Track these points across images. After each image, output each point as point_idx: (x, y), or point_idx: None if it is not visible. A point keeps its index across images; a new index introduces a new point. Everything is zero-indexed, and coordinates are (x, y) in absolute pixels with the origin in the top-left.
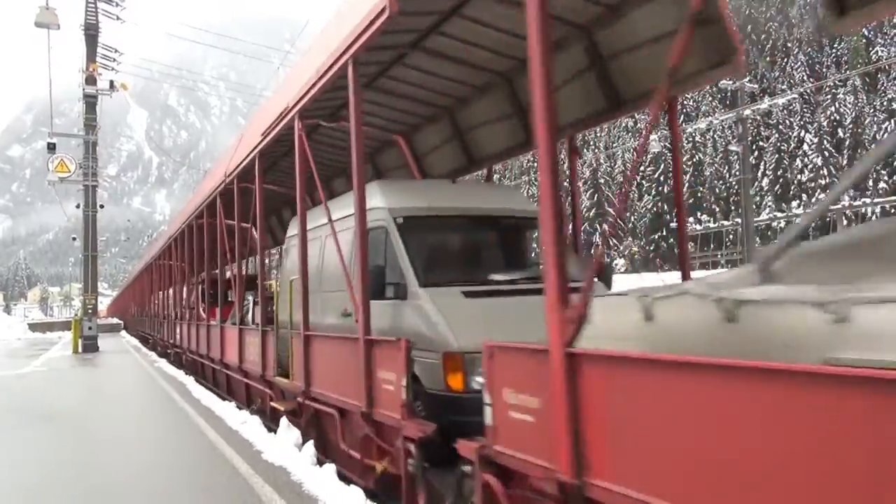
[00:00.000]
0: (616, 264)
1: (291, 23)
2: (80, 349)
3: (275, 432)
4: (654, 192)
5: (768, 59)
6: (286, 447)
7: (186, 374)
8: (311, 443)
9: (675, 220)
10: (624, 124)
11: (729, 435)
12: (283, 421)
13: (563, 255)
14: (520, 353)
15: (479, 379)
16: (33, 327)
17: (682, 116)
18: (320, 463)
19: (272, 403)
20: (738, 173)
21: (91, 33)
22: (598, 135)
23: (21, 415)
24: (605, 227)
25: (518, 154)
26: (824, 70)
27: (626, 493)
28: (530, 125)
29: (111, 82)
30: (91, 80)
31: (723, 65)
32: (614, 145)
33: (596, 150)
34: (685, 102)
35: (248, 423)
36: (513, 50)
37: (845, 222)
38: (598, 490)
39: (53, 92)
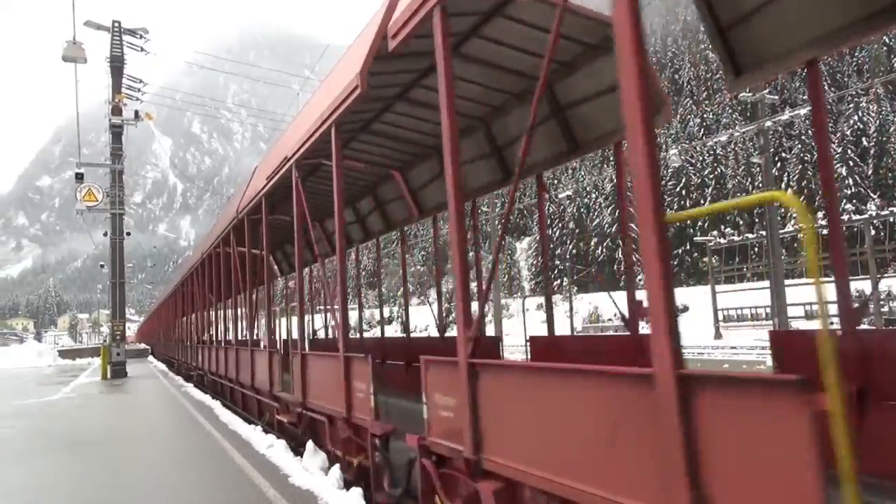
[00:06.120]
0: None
1: (311, 47)
2: (108, 375)
3: (301, 456)
4: (675, 207)
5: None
6: (312, 471)
7: (213, 398)
8: (336, 466)
9: (699, 233)
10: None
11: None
12: (310, 445)
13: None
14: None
15: None
16: (63, 354)
17: (702, 129)
18: (347, 486)
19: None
20: (760, 185)
21: (116, 65)
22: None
23: (51, 441)
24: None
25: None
26: (845, 79)
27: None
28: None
29: (136, 112)
30: (117, 110)
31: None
32: None
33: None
34: (704, 116)
35: (274, 447)
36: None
37: (872, 232)
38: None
39: (80, 121)
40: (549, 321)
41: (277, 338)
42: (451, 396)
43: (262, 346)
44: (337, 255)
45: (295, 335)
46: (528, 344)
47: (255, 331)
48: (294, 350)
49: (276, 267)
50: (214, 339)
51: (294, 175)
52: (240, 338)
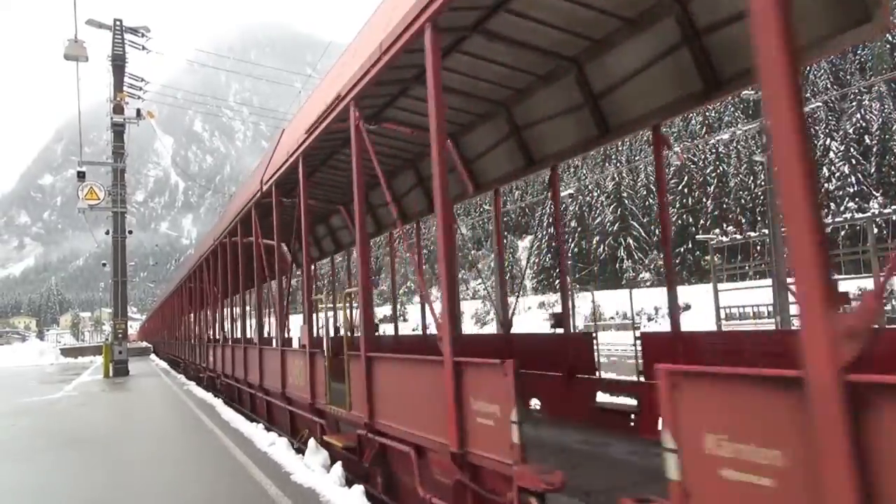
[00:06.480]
0: (642, 277)
1: (313, 45)
2: (111, 373)
3: (303, 454)
4: (678, 205)
5: None
6: (314, 468)
7: (215, 396)
8: (339, 464)
9: (700, 231)
10: (646, 137)
11: None
12: (311, 443)
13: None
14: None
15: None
16: (65, 352)
17: (704, 128)
18: (349, 483)
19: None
20: (763, 183)
21: (118, 64)
22: (619, 148)
23: (52, 439)
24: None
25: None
26: (848, 77)
27: None
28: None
29: (138, 111)
30: (118, 109)
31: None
32: (636, 158)
33: (618, 164)
34: (708, 113)
35: (276, 445)
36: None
37: (875, 230)
38: None
39: (82, 120)
40: (673, 314)
41: (325, 335)
42: (769, 446)
43: (296, 343)
44: (437, 215)
45: (322, 332)
46: (640, 342)
47: (285, 327)
48: (353, 351)
49: (289, 258)
50: (231, 336)
51: (353, 115)
52: (265, 335)
